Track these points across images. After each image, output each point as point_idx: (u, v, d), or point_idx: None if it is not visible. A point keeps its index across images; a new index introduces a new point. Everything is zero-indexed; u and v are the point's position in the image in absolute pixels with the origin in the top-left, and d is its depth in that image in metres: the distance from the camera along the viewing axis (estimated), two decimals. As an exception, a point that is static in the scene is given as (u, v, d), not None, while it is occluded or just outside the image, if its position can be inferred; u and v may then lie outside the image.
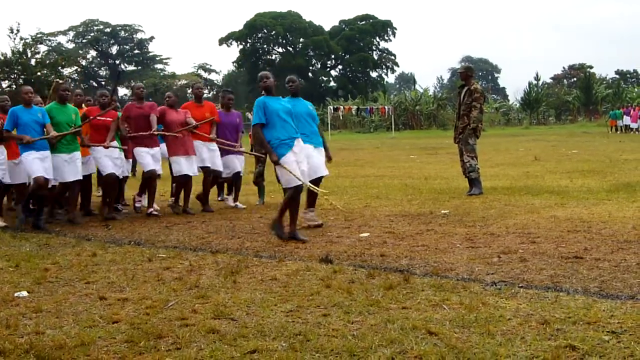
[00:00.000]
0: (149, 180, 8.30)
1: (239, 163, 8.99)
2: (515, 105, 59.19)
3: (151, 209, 8.26)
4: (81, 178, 7.90)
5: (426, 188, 10.23)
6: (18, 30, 27.44)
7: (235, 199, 9.05)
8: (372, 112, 47.56)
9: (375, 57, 71.76)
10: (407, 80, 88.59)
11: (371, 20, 71.42)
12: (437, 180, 11.58)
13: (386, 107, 46.40)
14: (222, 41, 70.75)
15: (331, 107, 45.26)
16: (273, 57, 71.82)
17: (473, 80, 9.47)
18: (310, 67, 70.03)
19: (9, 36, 27.32)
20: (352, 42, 70.22)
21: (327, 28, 72.73)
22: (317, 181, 6.78)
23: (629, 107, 38.21)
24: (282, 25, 68.00)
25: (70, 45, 72.44)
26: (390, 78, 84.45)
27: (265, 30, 69.36)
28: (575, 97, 56.55)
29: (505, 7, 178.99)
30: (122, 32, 76.16)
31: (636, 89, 55.63)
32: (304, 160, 6.33)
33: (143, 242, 6.45)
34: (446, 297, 4.01)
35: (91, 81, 72.40)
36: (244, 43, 69.76)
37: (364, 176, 12.85)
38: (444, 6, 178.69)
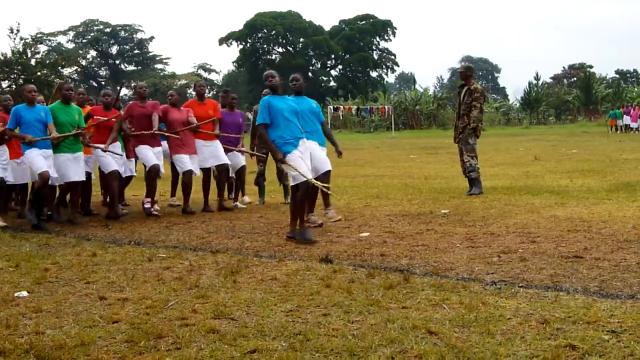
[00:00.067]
0: (152, 176, 8.21)
1: (242, 158, 9.03)
2: (515, 105, 59.16)
3: (151, 209, 8.23)
4: (84, 179, 7.90)
5: (426, 188, 10.23)
6: (18, 30, 27.47)
7: (235, 199, 9.04)
8: (372, 111, 47.53)
9: (375, 57, 71.72)
10: (407, 80, 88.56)
11: (371, 20, 71.39)
12: (437, 179, 11.58)
13: (386, 106, 46.38)
14: (222, 41, 70.74)
15: (331, 107, 45.26)
16: (273, 57, 71.78)
17: (473, 79, 9.47)
18: (310, 67, 69.98)
19: (9, 36, 27.36)
20: (352, 42, 70.19)
21: (327, 28, 72.73)
22: (324, 176, 6.69)
23: (629, 106, 38.19)
24: (282, 25, 67.98)
25: (70, 45, 72.47)
26: (390, 78, 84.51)
27: (265, 30, 69.33)
28: (575, 96, 56.52)
29: (505, 6, 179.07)
30: (122, 32, 76.15)
31: (636, 89, 55.58)
32: (308, 158, 6.29)
33: (143, 242, 6.45)
34: (446, 297, 4.01)
35: (91, 81, 72.36)
36: (244, 43, 69.74)
37: (364, 176, 12.85)
38: (444, 6, 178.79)
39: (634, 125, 34.89)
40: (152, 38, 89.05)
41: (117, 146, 8.19)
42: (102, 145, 7.90)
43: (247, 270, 4.95)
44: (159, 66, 77.66)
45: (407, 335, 3.33)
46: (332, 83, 71.92)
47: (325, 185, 6.37)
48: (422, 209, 7.94)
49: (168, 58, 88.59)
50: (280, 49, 72.01)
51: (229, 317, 3.76)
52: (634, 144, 21.67)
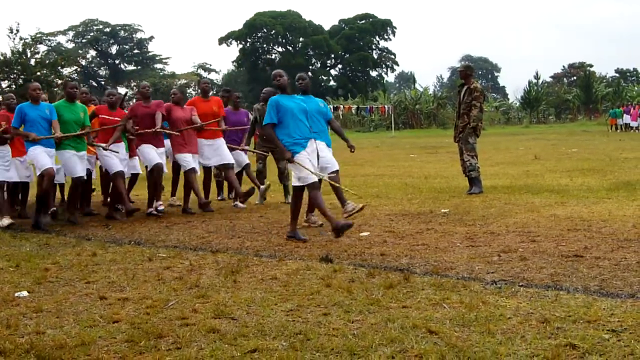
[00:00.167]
0: (155, 175, 8.18)
1: (246, 156, 9.04)
2: (515, 104, 59.15)
3: (151, 209, 8.23)
4: (85, 177, 7.89)
5: (426, 187, 10.23)
6: (18, 30, 27.42)
7: (236, 198, 9.03)
8: (372, 111, 47.52)
9: (375, 56, 71.71)
10: (407, 79, 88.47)
11: (371, 20, 71.38)
12: (437, 179, 11.58)
13: (386, 106, 46.38)
14: (221, 40, 70.73)
15: (331, 107, 45.08)
16: (273, 57, 71.77)
17: (473, 79, 9.46)
18: (310, 67, 69.94)
19: (9, 36, 27.30)
20: (352, 41, 70.17)
21: (326, 27, 72.72)
22: (333, 175, 6.66)
23: (629, 105, 38.18)
24: (282, 25, 67.96)
25: (70, 45, 72.44)
26: (390, 77, 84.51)
27: (265, 30, 69.31)
28: (575, 95, 56.51)
29: (505, 6, 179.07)
30: (122, 32, 76.14)
31: (636, 88, 55.60)
32: (315, 159, 6.22)
33: (143, 241, 6.45)
34: (446, 296, 4.01)
35: (91, 81, 72.32)
36: (243, 42, 69.73)
37: (364, 175, 12.85)
38: (444, 5, 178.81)
39: (634, 124, 34.89)
40: (151, 38, 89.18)
41: (122, 146, 8.16)
42: (103, 145, 7.89)
43: (248, 270, 4.95)
44: (158, 66, 77.65)
45: (407, 335, 3.33)
46: (331, 82, 71.89)
47: (335, 184, 6.35)
48: (422, 208, 7.94)
49: (168, 58, 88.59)
50: (280, 49, 72.01)
51: (230, 317, 3.76)
52: (634, 143, 21.66)
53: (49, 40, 66.78)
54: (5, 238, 6.86)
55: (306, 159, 6.08)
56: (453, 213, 7.42)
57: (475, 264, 4.87)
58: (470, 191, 9.11)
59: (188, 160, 8.25)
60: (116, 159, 7.97)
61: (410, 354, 3.09)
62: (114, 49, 77.31)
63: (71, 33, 73.94)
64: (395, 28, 71.92)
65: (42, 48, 45.73)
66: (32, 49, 28.93)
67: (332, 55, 71.68)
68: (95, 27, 75.54)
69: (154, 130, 8.05)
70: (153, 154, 8.17)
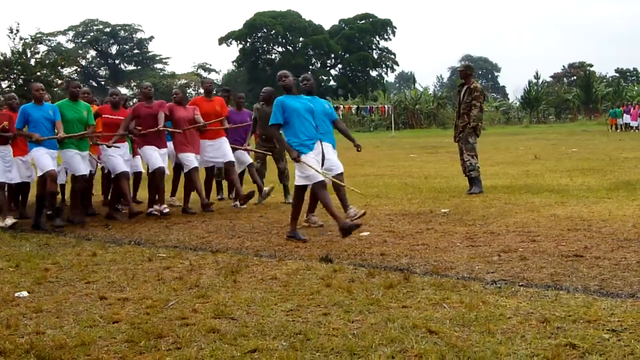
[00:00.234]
0: (157, 177, 8.15)
1: (249, 157, 9.02)
2: (515, 103, 59.16)
3: (151, 209, 8.23)
4: (87, 176, 7.86)
5: (426, 187, 10.23)
6: (17, 30, 27.42)
7: (236, 198, 9.00)
8: (372, 111, 47.52)
9: (375, 56, 71.72)
10: (407, 79, 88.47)
11: (371, 19, 71.39)
12: (437, 179, 11.58)
13: (386, 106, 46.37)
14: (221, 40, 70.75)
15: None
16: (273, 57, 71.81)
17: (473, 78, 9.46)
18: (310, 67, 69.92)
19: (9, 36, 27.32)
20: (352, 41, 70.19)
21: (326, 27, 72.74)
22: (337, 177, 6.58)
23: (629, 105, 38.19)
24: (282, 25, 67.98)
25: (70, 45, 72.44)
26: (390, 77, 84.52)
27: (264, 30, 69.33)
28: (575, 95, 56.51)
29: (505, 5, 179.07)
30: (122, 32, 76.14)
31: (636, 88, 55.59)
32: (319, 161, 6.18)
33: (143, 241, 6.45)
34: (446, 296, 4.01)
35: (91, 81, 72.31)
36: (243, 42, 69.75)
37: (364, 175, 12.84)
38: (444, 5, 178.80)
39: (634, 124, 34.89)
40: (151, 38, 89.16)
41: (125, 146, 8.14)
42: (105, 144, 7.86)
43: (248, 270, 4.95)
44: (158, 66, 77.66)
45: (407, 335, 3.33)
46: (331, 82, 71.91)
47: (341, 183, 6.34)
48: (422, 208, 7.94)
49: (168, 58, 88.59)
50: (279, 49, 72.03)
51: (229, 317, 3.76)
52: (634, 143, 21.66)
53: (49, 40, 66.77)
54: (5, 238, 6.86)
55: (313, 159, 6.04)
56: (453, 213, 7.42)
57: (475, 264, 4.87)
58: (470, 191, 9.11)
59: (191, 159, 8.24)
60: (120, 159, 7.93)
61: (410, 354, 3.09)
62: (114, 49, 77.32)
63: (71, 33, 73.98)
64: (395, 28, 72.01)
65: (42, 48, 45.69)
66: (32, 49, 28.94)
67: (332, 55, 71.70)
68: (95, 27, 75.55)
69: (157, 129, 7.98)
70: (155, 157, 8.12)
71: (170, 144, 8.60)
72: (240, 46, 69.90)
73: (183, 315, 3.82)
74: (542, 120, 54.30)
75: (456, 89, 10.83)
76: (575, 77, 68.86)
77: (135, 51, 77.26)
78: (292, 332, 3.44)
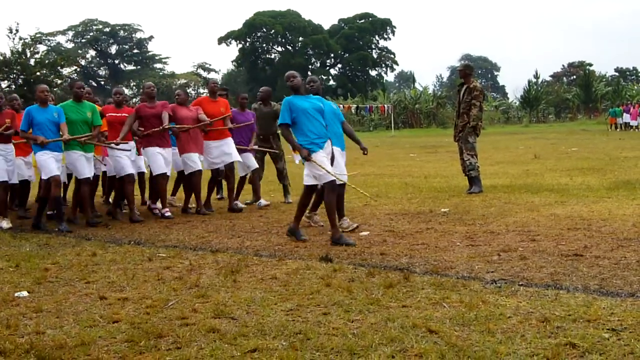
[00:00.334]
0: (159, 181, 8.10)
1: (254, 161, 8.93)
2: (515, 103, 59.18)
3: (154, 206, 8.21)
4: (91, 179, 7.82)
5: (426, 186, 10.23)
6: (17, 30, 27.46)
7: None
8: (372, 110, 47.52)
9: (375, 56, 71.76)
10: (407, 79, 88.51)
11: (370, 19, 71.42)
12: (437, 178, 11.58)
13: (386, 105, 46.39)
14: (221, 40, 70.77)
15: (332, 106, 45.23)
16: (272, 56, 71.85)
17: (472, 78, 9.46)
18: (310, 66, 69.97)
19: (8, 36, 27.37)
20: (352, 41, 70.21)
21: (326, 27, 72.78)
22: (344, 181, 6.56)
23: (629, 104, 38.22)
24: (282, 24, 67.99)
25: (70, 45, 72.42)
26: (390, 76, 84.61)
27: (264, 29, 69.35)
28: (574, 94, 56.52)
29: (505, 5, 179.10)
30: (122, 32, 76.12)
31: (635, 87, 55.61)
32: (329, 163, 6.12)
33: (143, 241, 6.45)
34: (446, 296, 4.01)
35: (90, 81, 72.30)
36: (243, 42, 69.77)
37: (364, 175, 12.84)
38: (444, 4, 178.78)
39: (633, 123, 34.93)
40: (151, 37, 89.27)
41: (132, 145, 8.08)
42: (113, 142, 7.80)
43: (247, 270, 4.95)
44: (158, 66, 77.65)
45: (407, 334, 3.33)
46: (331, 82, 71.94)
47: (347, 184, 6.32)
48: (422, 207, 7.94)
49: (167, 57, 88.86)
50: (279, 48, 72.06)
51: (229, 317, 3.76)
52: (633, 142, 21.66)
53: (49, 40, 66.76)
54: (5, 238, 6.86)
55: (324, 158, 5.99)
56: (453, 212, 7.42)
57: (475, 263, 4.87)
58: (470, 190, 9.11)
59: (194, 160, 8.19)
60: (127, 160, 7.87)
61: (410, 353, 3.09)
62: (113, 49, 77.31)
63: (71, 33, 73.96)
64: (395, 27, 72.07)
65: (42, 48, 45.62)
66: (32, 49, 28.97)
67: (332, 55, 71.72)
68: (94, 27, 75.53)
69: (162, 127, 7.88)
70: (159, 162, 8.01)
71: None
72: (240, 46, 69.93)
73: (183, 315, 3.82)
74: (541, 120, 54.32)
75: (456, 89, 10.83)
76: (574, 77, 68.91)
77: (135, 51, 77.25)
78: (292, 332, 3.44)
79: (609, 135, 29.16)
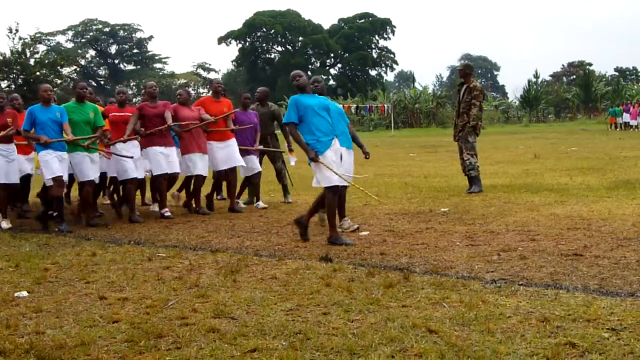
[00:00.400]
0: (159, 182, 8.08)
1: (258, 164, 8.89)
2: (515, 103, 59.17)
3: (153, 205, 8.21)
4: (95, 181, 7.77)
5: (426, 186, 10.23)
6: (17, 30, 27.46)
7: (258, 199, 8.90)
8: (372, 110, 47.55)
9: (375, 56, 71.80)
10: (407, 79, 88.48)
11: (370, 19, 71.46)
12: (437, 178, 11.58)
13: (385, 105, 46.41)
14: (221, 40, 70.81)
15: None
16: (272, 56, 71.88)
17: (472, 78, 9.46)
18: (310, 66, 69.98)
19: (8, 36, 27.39)
20: (351, 41, 70.23)
21: (326, 26, 72.82)
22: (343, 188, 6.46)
23: (629, 104, 38.23)
24: (281, 24, 68.01)
25: (69, 45, 72.45)
26: (390, 76, 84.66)
27: (264, 29, 69.38)
28: (574, 94, 56.51)
29: (505, 5, 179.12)
30: (121, 32, 76.15)
31: (635, 86, 55.60)
32: (339, 160, 6.07)
33: (143, 241, 6.45)
34: (446, 295, 4.01)
35: (90, 81, 72.29)
36: (243, 42, 69.80)
37: (364, 174, 12.83)
38: (443, 4, 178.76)
39: (633, 122, 34.94)
40: (151, 37, 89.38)
41: (136, 144, 8.05)
42: (120, 140, 7.77)
43: (247, 270, 4.95)
44: (158, 65, 77.68)
45: (407, 334, 3.33)
46: (331, 82, 71.96)
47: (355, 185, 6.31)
48: (422, 207, 7.94)
49: (167, 57, 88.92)
50: (279, 48, 72.09)
51: (229, 316, 3.76)
52: (633, 142, 21.66)
53: (48, 40, 66.78)
54: (5, 238, 6.86)
55: (331, 160, 5.93)
56: (453, 212, 7.42)
57: (474, 263, 4.87)
58: (469, 190, 9.11)
59: (195, 161, 8.12)
60: (131, 163, 7.83)
61: (410, 353, 3.09)
62: (113, 49, 77.32)
63: (70, 33, 73.99)
64: (395, 27, 72.13)
65: (42, 48, 45.63)
66: (32, 49, 28.96)
67: (332, 55, 71.76)
68: (94, 27, 75.55)
69: (166, 126, 7.86)
70: (160, 163, 7.97)
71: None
72: (240, 46, 69.97)
73: (183, 315, 3.82)
74: (541, 119, 54.31)
75: (455, 88, 10.83)
76: (574, 76, 68.90)
77: (135, 51, 77.28)
78: (292, 332, 3.44)
79: (609, 134, 29.16)
